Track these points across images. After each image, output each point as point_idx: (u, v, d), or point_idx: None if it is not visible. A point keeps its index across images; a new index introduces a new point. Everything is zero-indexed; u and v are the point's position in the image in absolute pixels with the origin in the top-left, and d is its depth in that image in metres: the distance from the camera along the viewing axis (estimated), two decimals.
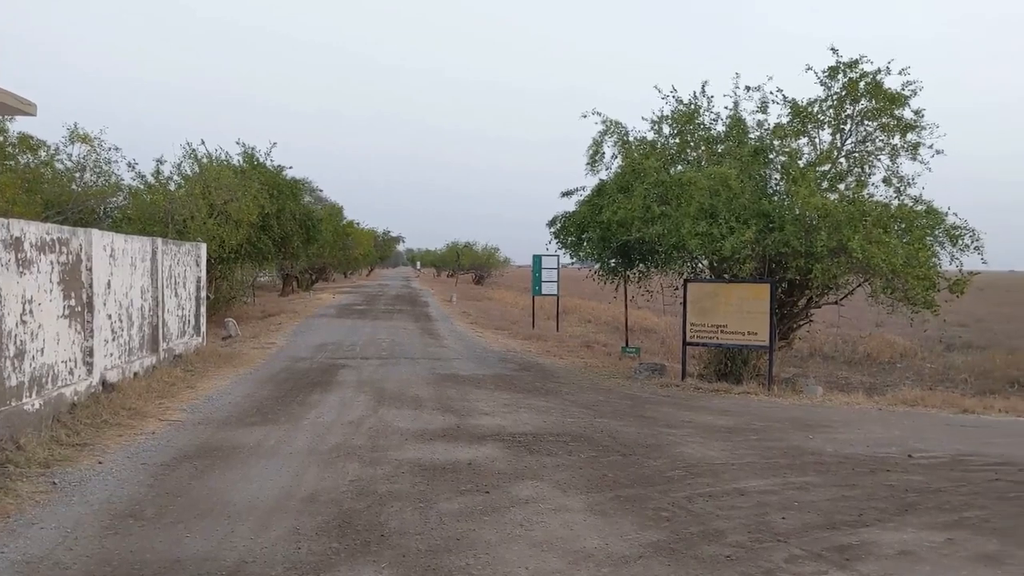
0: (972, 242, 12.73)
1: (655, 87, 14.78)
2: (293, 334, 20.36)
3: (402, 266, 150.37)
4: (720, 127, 14.49)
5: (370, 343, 18.54)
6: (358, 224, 57.54)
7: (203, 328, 16.49)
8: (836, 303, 14.31)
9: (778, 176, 13.72)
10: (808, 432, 9.23)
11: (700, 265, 14.69)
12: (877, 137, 13.64)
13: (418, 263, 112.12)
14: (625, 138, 15.00)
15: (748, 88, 14.11)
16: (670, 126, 14.71)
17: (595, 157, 15.20)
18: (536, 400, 11.25)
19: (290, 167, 24.82)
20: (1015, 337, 22.06)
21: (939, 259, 12.71)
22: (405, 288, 57.09)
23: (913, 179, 13.44)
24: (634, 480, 6.90)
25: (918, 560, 5.00)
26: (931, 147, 13.26)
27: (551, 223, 16.33)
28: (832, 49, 13.40)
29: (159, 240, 13.36)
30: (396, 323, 25.07)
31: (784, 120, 13.83)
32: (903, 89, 13.07)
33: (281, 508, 5.97)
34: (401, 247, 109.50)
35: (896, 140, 13.42)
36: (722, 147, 14.14)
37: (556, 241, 16.33)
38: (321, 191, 39.30)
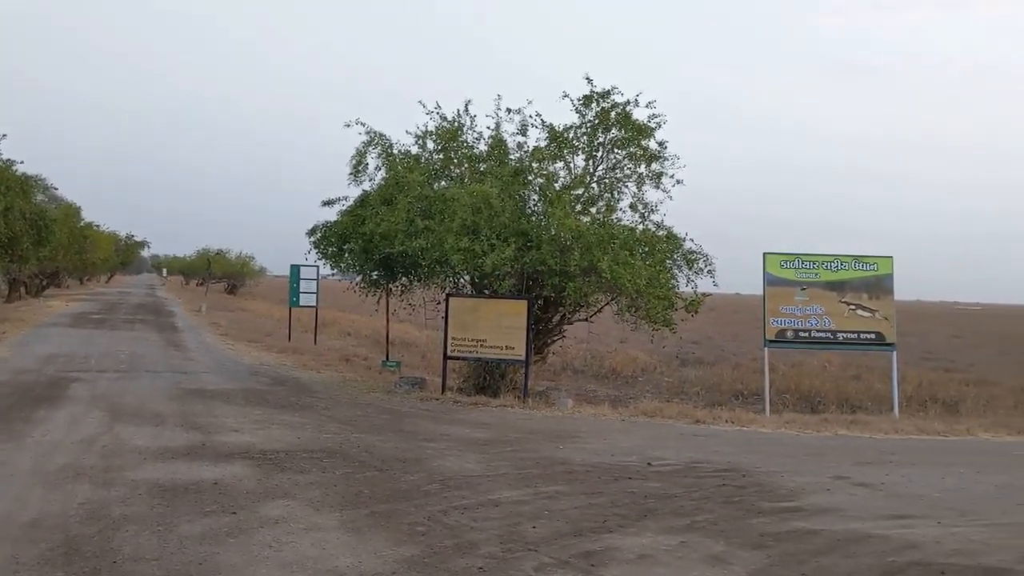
0: (706, 266, 13.94)
1: (420, 102, 14.85)
2: (18, 344, 18.42)
3: (147, 273, 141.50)
4: (483, 146, 14.79)
5: (107, 355, 17.14)
6: (98, 226, 53.49)
7: None
8: (587, 320, 15.01)
9: (536, 197, 14.17)
10: (559, 443, 9.58)
11: (462, 280, 14.88)
12: (625, 165, 14.45)
13: (164, 270, 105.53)
14: (389, 150, 14.93)
15: (509, 110, 14.52)
16: (434, 142, 14.81)
17: (358, 167, 15.00)
18: (290, 415, 10.87)
19: (21, 161, 22.57)
20: (739, 354, 24.25)
21: (677, 281, 13.75)
22: (149, 296, 53.60)
23: (656, 206, 14.38)
24: (390, 495, 6.82)
25: (656, 563, 5.30)
26: (672, 177, 14.28)
27: (311, 232, 15.89)
28: (587, 79, 14.08)
29: None
30: (138, 334, 23.40)
31: (542, 144, 14.31)
32: (649, 121, 13.98)
33: None
34: (146, 252, 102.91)
35: (642, 169, 14.30)
36: (484, 166, 14.43)
37: (316, 251, 15.91)
38: (56, 189, 36.26)
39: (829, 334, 14.52)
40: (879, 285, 14.59)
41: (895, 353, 14.54)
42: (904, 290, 16.27)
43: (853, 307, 14.52)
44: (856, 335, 14.53)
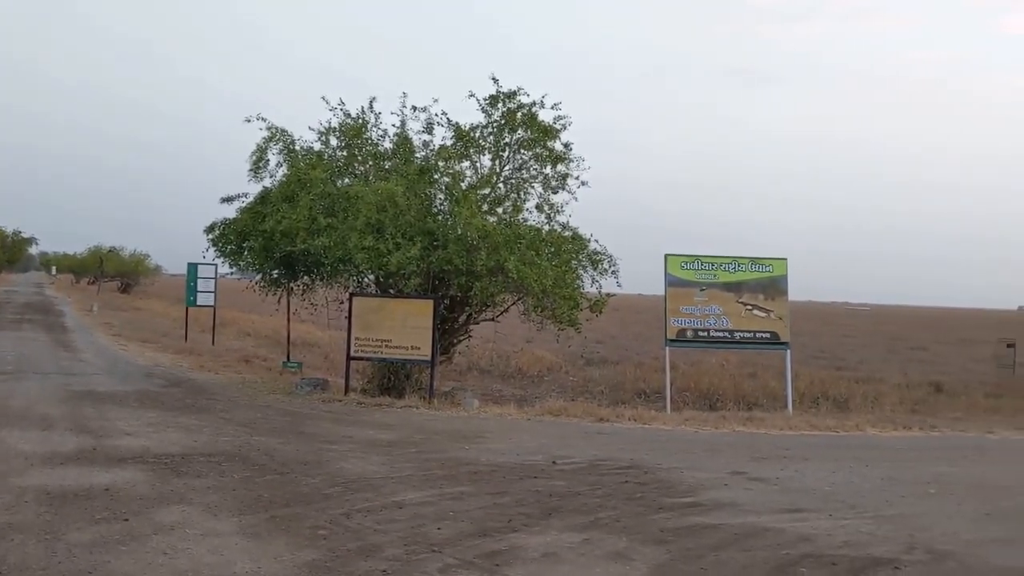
0: (610, 266, 14.13)
1: (323, 98, 14.62)
2: None
3: (35, 271, 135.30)
4: (388, 144, 14.64)
5: None
6: None
7: None
8: (493, 319, 15.02)
9: (442, 196, 14.11)
10: (465, 443, 9.56)
11: (366, 279, 14.70)
12: (531, 166, 14.51)
13: (54, 268, 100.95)
14: (291, 146, 14.64)
15: (415, 108, 14.40)
16: (338, 138, 14.60)
17: (259, 164, 14.65)
18: (186, 418, 10.53)
19: None
20: (642, 353, 24.68)
21: (582, 281, 13.90)
22: (37, 295, 51.28)
23: (562, 207, 14.50)
24: (291, 499, 6.67)
25: (559, 561, 5.33)
26: (578, 178, 14.42)
27: (209, 229, 15.44)
28: (493, 79, 14.09)
29: None
30: (25, 334, 22.33)
31: (448, 142, 14.27)
32: (555, 123, 14.07)
33: None
34: (34, 249, 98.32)
35: (548, 170, 14.39)
36: (389, 163, 14.29)
37: (214, 249, 15.47)
38: None
39: (727, 333, 14.90)
40: (774, 286, 15.05)
41: (789, 352, 15.03)
42: (798, 291, 16.82)
43: (749, 307, 14.93)
44: (752, 334, 14.96)
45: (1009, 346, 23.31)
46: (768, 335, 14.95)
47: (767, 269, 15.06)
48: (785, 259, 15.21)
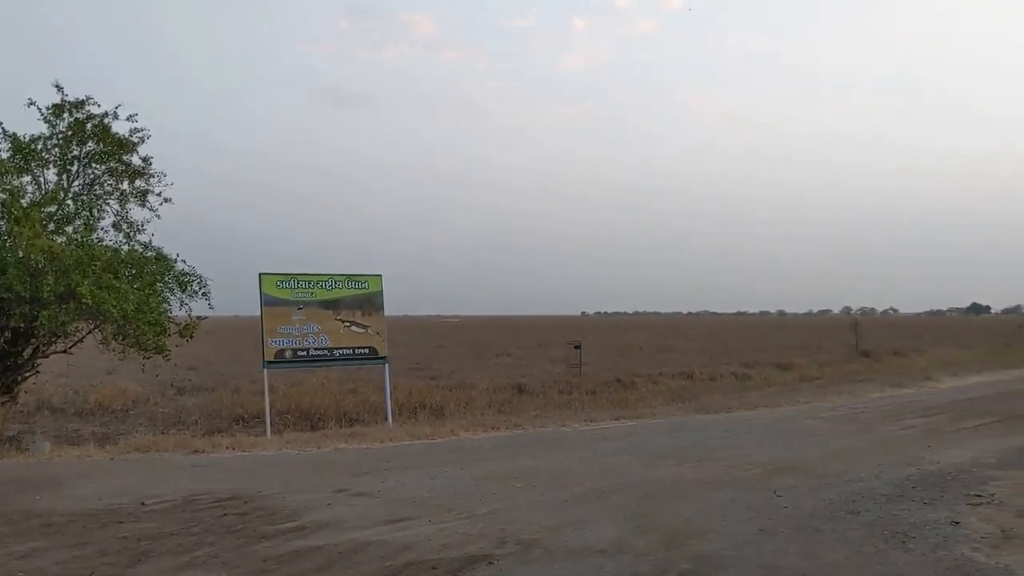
0: (200, 288, 13.43)
1: None
2: None
3: None
4: None
5: None
6: None
7: None
8: (66, 351, 13.52)
9: None
10: (35, 493, 8.44)
11: None
12: (106, 181, 13.42)
13: None
14: None
15: None
16: None
17: None
18: None
19: None
20: (239, 377, 23.78)
21: (170, 304, 13.06)
22: None
23: (143, 225, 13.55)
24: None
25: None
26: (159, 195, 13.59)
27: None
28: (57, 86, 12.81)
29: None
30: None
31: (5, 155, 12.63)
32: (132, 135, 13.14)
33: None
34: None
35: (125, 185, 13.40)
36: None
37: None
38: None
39: (327, 351, 14.95)
40: (370, 302, 15.44)
41: (387, 366, 15.50)
42: (394, 306, 17.49)
43: (347, 324, 15.15)
44: (352, 351, 15.18)
45: (576, 347, 26.42)
46: (367, 350, 15.28)
47: (363, 286, 15.40)
48: (380, 275, 15.68)
